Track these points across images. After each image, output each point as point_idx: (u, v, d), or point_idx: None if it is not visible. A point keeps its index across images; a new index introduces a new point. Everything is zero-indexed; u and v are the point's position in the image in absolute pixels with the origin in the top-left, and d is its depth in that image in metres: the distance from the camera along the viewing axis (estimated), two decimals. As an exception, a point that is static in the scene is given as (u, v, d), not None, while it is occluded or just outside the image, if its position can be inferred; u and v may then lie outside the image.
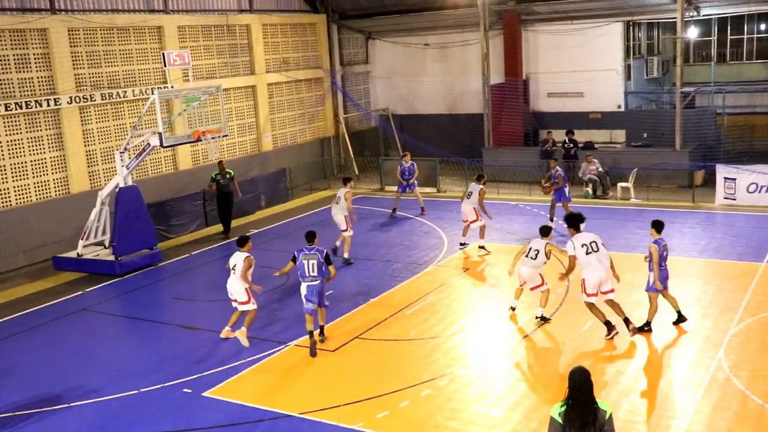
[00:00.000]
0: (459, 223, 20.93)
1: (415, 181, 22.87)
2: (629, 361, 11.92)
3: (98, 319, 15.66)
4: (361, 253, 18.79)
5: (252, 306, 13.48)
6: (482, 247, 18.18)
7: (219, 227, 22.31)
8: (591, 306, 12.70)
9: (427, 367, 12.13)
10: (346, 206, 17.92)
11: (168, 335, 14.38)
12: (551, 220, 19.95)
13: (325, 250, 13.00)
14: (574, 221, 12.75)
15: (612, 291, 12.66)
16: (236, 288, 13.36)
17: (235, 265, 13.27)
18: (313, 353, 12.77)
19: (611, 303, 12.72)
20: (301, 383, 11.96)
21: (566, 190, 19.70)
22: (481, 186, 18.36)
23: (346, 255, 17.97)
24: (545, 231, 13.78)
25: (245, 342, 13.41)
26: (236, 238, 14.14)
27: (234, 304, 13.61)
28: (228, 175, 21.65)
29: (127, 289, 17.53)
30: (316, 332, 13.19)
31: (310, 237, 13.13)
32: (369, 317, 14.45)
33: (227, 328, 13.77)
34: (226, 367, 12.54)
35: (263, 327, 14.28)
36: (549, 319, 13.71)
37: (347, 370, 12.32)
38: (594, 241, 12.49)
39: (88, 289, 17.52)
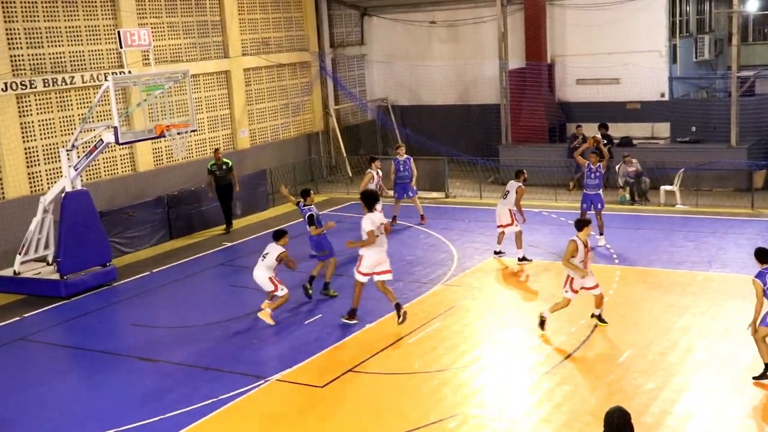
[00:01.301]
0: (470, 235, 21.02)
1: (415, 186, 22.91)
2: (676, 399, 11.86)
3: (39, 351, 15.58)
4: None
5: (281, 292, 15.63)
6: (523, 259, 18.49)
7: (184, 240, 22.38)
8: (359, 284, 15.05)
9: (434, 405, 12.08)
10: None
11: (124, 369, 14.29)
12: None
13: (310, 213, 16.63)
14: (371, 201, 15.01)
15: (388, 272, 14.98)
16: (260, 277, 15.64)
17: (267, 254, 15.58)
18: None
19: (382, 286, 14.98)
20: (285, 425, 11.90)
21: (601, 193, 19.57)
22: (519, 183, 18.58)
23: None
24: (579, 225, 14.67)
25: (269, 321, 15.49)
26: (273, 230, 16.51)
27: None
28: (225, 166, 23.08)
29: (74, 314, 17.44)
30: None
31: (304, 194, 16.97)
32: (365, 346, 14.40)
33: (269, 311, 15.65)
34: (194, 406, 12.47)
35: (238, 359, 14.24)
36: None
37: (339, 410, 12.27)
38: (383, 223, 14.98)
39: (26, 315, 17.45)
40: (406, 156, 22.88)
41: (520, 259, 18.44)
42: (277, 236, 15.74)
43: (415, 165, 22.94)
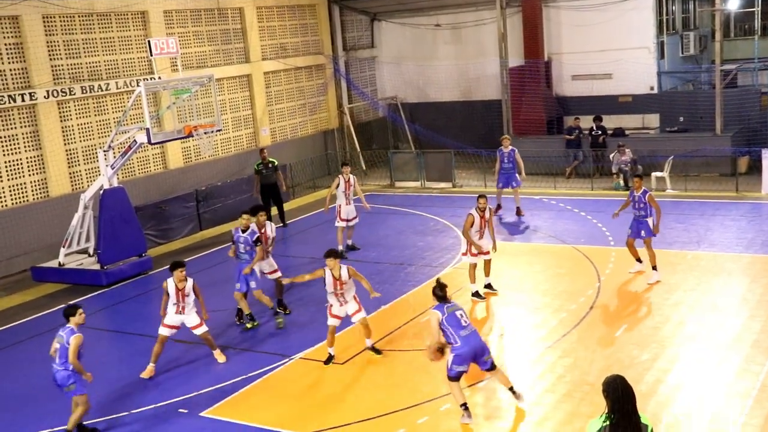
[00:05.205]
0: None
1: (519, 178, 21.33)
2: (669, 370, 11.88)
3: (84, 334, 15.59)
4: (370, 255, 18.81)
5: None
6: (476, 294, 15.84)
7: (213, 231, 22.46)
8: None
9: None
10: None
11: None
12: (639, 261, 16.40)
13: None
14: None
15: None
16: None
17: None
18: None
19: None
20: (308, 400, 11.98)
21: (650, 221, 16.08)
22: (471, 210, 15.31)
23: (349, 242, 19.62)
24: None
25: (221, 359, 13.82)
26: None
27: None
28: (271, 165, 22.25)
29: (114, 300, 17.58)
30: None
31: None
32: (380, 326, 14.41)
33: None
34: (225, 383, 12.58)
35: (262, 339, 14.32)
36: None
37: (358, 385, 12.35)
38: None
39: (71, 302, 17.50)
40: (510, 148, 21.32)
41: (473, 294, 15.64)
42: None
43: (518, 157, 21.34)
